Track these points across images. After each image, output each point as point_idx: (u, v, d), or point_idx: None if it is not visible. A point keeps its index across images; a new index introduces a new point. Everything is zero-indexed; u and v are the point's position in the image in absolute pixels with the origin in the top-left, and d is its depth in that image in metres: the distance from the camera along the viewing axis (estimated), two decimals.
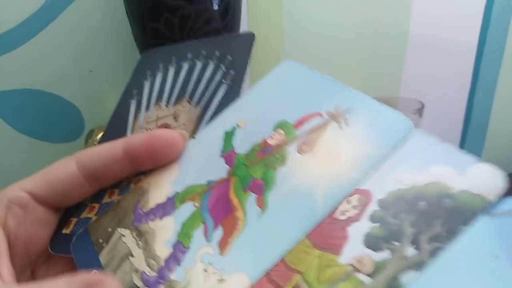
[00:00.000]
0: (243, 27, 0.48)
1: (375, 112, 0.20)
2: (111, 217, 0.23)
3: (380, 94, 0.70)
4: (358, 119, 0.20)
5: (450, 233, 0.15)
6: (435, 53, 0.67)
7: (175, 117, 0.28)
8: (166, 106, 0.29)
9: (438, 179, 0.16)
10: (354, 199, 0.18)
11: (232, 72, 0.27)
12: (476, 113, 0.69)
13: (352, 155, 0.19)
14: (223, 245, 0.19)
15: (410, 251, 0.15)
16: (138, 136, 0.23)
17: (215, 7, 0.38)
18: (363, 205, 0.17)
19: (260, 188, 0.20)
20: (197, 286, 0.19)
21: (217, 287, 0.18)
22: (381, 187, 0.17)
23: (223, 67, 0.27)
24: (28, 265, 0.24)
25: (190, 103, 0.27)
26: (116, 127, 0.31)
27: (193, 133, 0.25)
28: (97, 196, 0.25)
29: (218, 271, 0.18)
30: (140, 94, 0.30)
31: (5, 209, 0.23)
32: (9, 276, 0.21)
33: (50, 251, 0.24)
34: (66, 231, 0.24)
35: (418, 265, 0.15)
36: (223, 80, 0.27)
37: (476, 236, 0.15)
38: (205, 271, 0.19)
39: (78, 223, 0.24)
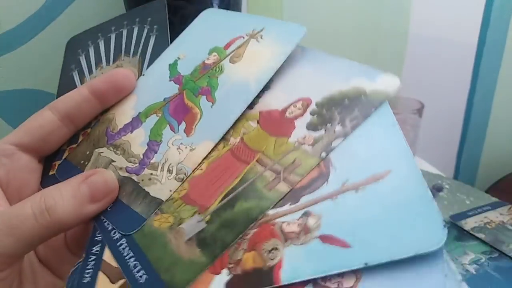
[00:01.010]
0: None
1: (279, 27, 0.27)
2: (86, 144, 0.27)
3: None
4: (268, 34, 0.27)
5: (364, 115, 0.22)
6: (435, 53, 0.67)
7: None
8: (107, 64, 0.31)
9: (356, 86, 0.24)
10: (299, 104, 0.24)
11: (155, 26, 0.31)
12: (475, 113, 0.69)
13: (268, 54, 0.26)
14: (188, 130, 0.25)
15: (338, 127, 0.22)
16: (98, 77, 0.27)
17: (215, 7, 0.40)
18: (305, 107, 0.24)
19: (208, 91, 0.26)
20: (174, 158, 0.24)
21: (190, 154, 0.24)
22: (317, 94, 0.24)
23: (146, 26, 0.32)
24: None
25: (128, 56, 0.31)
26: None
27: (139, 75, 0.29)
28: (72, 139, 0.27)
29: (188, 145, 0.24)
30: (79, 65, 0.33)
31: None
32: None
33: (42, 188, 0.26)
34: (52, 172, 0.27)
35: (343, 135, 0.22)
36: (150, 34, 0.31)
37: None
38: (179, 148, 0.24)
39: (61, 164, 0.27)
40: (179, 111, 0.26)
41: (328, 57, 0.26)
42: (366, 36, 0.64)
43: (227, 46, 0.28)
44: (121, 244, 0.22)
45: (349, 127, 0.22)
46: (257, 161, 0.23)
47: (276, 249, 0.20)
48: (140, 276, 0.21)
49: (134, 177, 0.24)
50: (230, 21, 0.29)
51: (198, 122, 0.25)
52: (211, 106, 0.25)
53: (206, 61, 0.28)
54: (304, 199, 0.21)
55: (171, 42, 0.30)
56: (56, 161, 0.27)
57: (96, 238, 0.23)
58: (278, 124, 0.24)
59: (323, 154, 0.22)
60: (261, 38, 0.27)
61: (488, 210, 0.49)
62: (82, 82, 0.31)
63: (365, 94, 0.23)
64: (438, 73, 0.68)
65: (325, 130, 0.23)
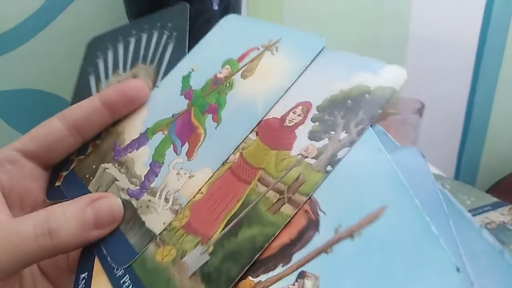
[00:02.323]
0: None
1: (297, 38, 0.25)
2: (93, 157, 0.26)
3: None
4: (285, 45, 0.25)
5: (370, 117, 0.20)
6: (435, 53, 0.66)
7: (135, 77, 0.30)
8: (124, 71, 0.31)
9: (359, 83, 0.21)
10: (299, 110, 0.22)
11: (175, 33, 0.30)
12: (476, 114, 0.69)
13: (281, 70, 0.24)
14: (190, 154, 0.24)
15: (342, 135, 0.20)
16: (111, 87, 0.27)
17: (215, 7, 0.38)
18: (306, 112, 0.22)
19: (215, 109, 0.25)
20: (173, 185, 0.23)
21: (188, 182, 0.23)
22: (317, 97, 0.22)
23: (166, 32, 0.31)
24: None
25: (145, 64, 0.30)
26: (81, 99, 0.33)
27: (153, 85, 0.29)
28: (81, 150, 0.27)
29: (188, 171, 0.23)
30: (96, 69, 0.33)
31: None
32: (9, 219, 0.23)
33: (47, 199, 0.26)
34: (58, 183, 0.27)
35: (349, 143, 0.20)
36: (169, 41, 0.30)
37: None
38: (178, 174, 0.23)
39: (67, 175, 0.27)
40: (184, 130, 0.25)
41: (325, 51, 0.24)
42: (366, 36, 0.64)
43: (241, 58, 0.26)
44: (125, 282, 0.21)
45: (354, 134, 0.20)
46: (258, 180, 0.21)
47: None
48: None
49: (134, 202, 0.24)
50: (248, 29, 0.27)
51: (200, 145, 0.24)
52: (216, 127, 0.24)
53: (218, 75, 0.26)
54: (296, 257, 0.19)
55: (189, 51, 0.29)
56: (63, 172, 0.27)
57: (82, 275, 0.23)
58: (278, 135, 0.22)
59: (329, 168, 0.20)
60: (276, 50, 0.25)
61: (489, 211, 0.47)
62: (97, 86, 0.31)
63: (369, 92, 0.21)
64: (439, 74, 0.67)
65: (329, 139, 0.21)
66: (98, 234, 0.22)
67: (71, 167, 0.27)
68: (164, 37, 0.31)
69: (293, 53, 0.24)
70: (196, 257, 0.20)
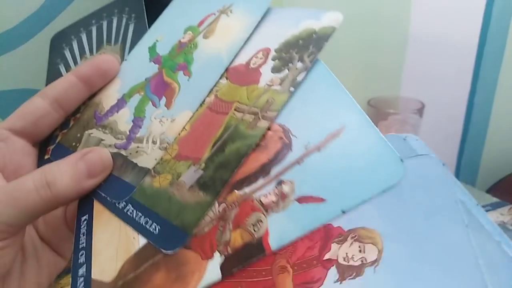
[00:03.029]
0: None
1: (246, 0, 0.29)
2: (76, 128, 0.29)
3: (381, 94, 0.67)
4: (237, 8, 0.29)
5: (318, 49, 0.25)
6: (436, 53, 0.66)
7: None
8: (91, 54, 0.33)
9: (306, 27, 0.26)
10: (260, 54, 0.27)
11: (133, 14, 0.33)
12: (476, 114, 0.68)
13: (238, 27, 0.28)
14: (168, 104, 0.27)
15: (299, 64, 0.25)
16: (83, 63, 0.29)
17: None
18: (266, 55, 0.26)
19: (185, 66, 0.28)
20: (157, 130, 0.26)
21: (171, 125, 0.26)
22: (273, 42, 0.27)
23: (125, 15, 0.34)
24: None
25: (110, 45, 0.33)
26: None
27: (120, 61, 0.31)
28: (64, 124, 0.29)
29: (169, 117, 0.26)
30: (64, 59, 0.35)
31: None
32: None
33: None
34: (47, 156, 0.29)
35: (305, 69, 0.25)
36: (129, 22, 0.33)
37: None
38: (160, 121, 0.26)
39: (54, 147, 0.29)
40: (159, 87, 0.28)
41: (275, 9, 0.28)
42: (366, 37, 0.64)
43: (201, 23, 0.30)
44: (128, 209, 0.24)
45: (308, 62, 0.25)
46: (235, 110, 0.25)
47: (260, 221, 0.22)
48: (154, 229, 0.23)
49: (123, 152, 0.26)
50: (202, 1, 0.31)
51: (176, 96, 0.27)
52: (188, 80, 0.27)
53: (182, 40, 0.30)
54: (274, 171, 0.23)
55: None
56: (50, 146, 0.29)
57: (81, 244, 0.24)
58: (245, 75, 0.26)
59: (292, 89, 0.24)
60: (231, 12, 0.29)
61: (488, 211, 0.48)
62: (68, 72, 0.33)
63: (315, 32, 0.26)
64: (439, 73, 0.67)
65: (288, 69, 0.25)
66: (92, 183, 0.24)
67: (57, 141, 0.29)
68: (124, 20, 0.33)
69: (245, 12, 0.29)
70: (191, 175, 0.24)
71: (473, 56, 0.65)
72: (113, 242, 0.24)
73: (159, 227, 0.23)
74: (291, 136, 0.24)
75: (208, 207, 0.23)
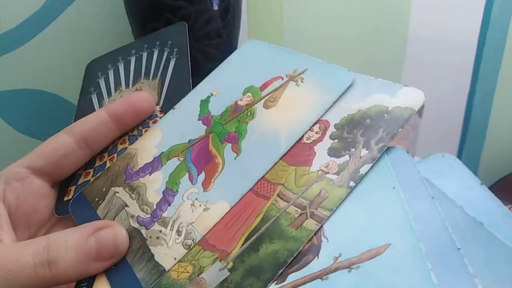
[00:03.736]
0: (243, 27, 0.47)
1: (324, 70, 0.25)
2: (104, 180, 0.25)
3: None
4: (311, 77, 0.24)
5: (390, 135, 0.21)
6: (435, 54, 0.66)
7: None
8: (127, 87, 0.31)
9: (377, 103, 0.22)
10: (316, 127, 0.22)
11: (175, 49, 0.30)
12: (475, 114, 0.69)
13: (306, 103, 0.24)
14: (206, 184, 0.23)
15: (363, 152, 0.20)
16: (117, 100, 0.27)
17: (215, 7, 0.38)
18: (324, 130, 0.22)
19: (235, 138, 0.24)
20: (186, 216, 0.22)
21: (203, 215, 0.22)
22: (335, 115, 0.22)
23: (166, 49, 0.31)
24: (29, 237, 0.25)
25: (148, 79, 0.30)
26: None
27: (158, 98, 0.28)
28: (89, 163, 0.27)
29: (203, 203, 0.22)
30: (97, 88, 0.32)
31: (4, 184, 0.24)
32: (11, 241, 0.22)
33: (56, 214, 0.25)
34: (67, 198, 0.26)
35: (371, 159, 0.20)
36: (170, 56, 0.30)
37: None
38: (192, 205, 0.22)
39: (76, 189, 0.26)
40: (201, 157, 0.24)
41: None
42: (366, 35, 0.64)
43: (264, 87, 0.25)
44: None
45: (376, 151, 0.20)
46: (278, 195, 0.21)
47: None
48: None
49: (143, 231, 0.22)
50: (271, 57, 0.27)
51: (218, 175, 0.23)
52: (235, 158, 0.23)
53: (239, 102, 0.25)
54: (291, 277, 0.18)
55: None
56: (71, 186, 0.26)
57: None
58: (296, 152, 0.22)
59: (351, 184, 0.20)
60: (302, 81, 0.24)
61: None
62: (100, 105, 0.31)
63: (387, 111, 0.21)
64: (438, 74, 0.67)
65: (350, 156, 0.21)
66: (99, 267, 0.21)
67: (79, 183, 0.27)
68: (165, 54, 0.31)
69: (320, 86, 0.24)
70: (214, 273, 0.20)
71: (472, 57, 0.65)
72: None
73: None
74: (322, 237, 0.19)
75: None
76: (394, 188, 0.19)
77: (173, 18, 0.36)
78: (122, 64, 0.32)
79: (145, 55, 0.32)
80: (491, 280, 0.17)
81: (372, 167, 0.20)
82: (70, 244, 0.21)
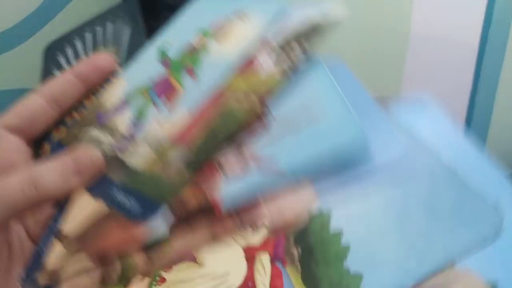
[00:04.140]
0: None
1: (263, 5, 0.28)
2: (78, 127, 0.28)
3: (381, 94, 0.66)
4: (253, 15, 0.28)
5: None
6: (436, 53, 0.67)
7: None
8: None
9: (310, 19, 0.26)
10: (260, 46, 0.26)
11: (128, 20, 0.33)
12: (477, 114, 0.69)
13: (251, 30, 0.27)
14: (170, 106, 0.26)
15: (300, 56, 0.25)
16: (80, 62, 0.29)
17: None
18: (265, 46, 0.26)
19: (191, 69, 0.27)
20: (155, 132, 0.25)
21: (168, 126, 0.25)
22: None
23: (120, 20, 0.33)
24: None
25: (105, 47, 0.33)
26: None
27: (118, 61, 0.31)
28: (60, 122, 0.29)
29: (169, 120, 0.25)
30: (58, 65, 0.35)
31: None
32: None
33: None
34: (42, 152, 0.28)
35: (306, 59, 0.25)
36: (124, 26, 0.33)
37: None
38: (159, 123, 0.25)
39: (51, 145, 0.28)
40: (163, 89, 0.27)
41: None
42: (366, 35, 0.65)
43: (214, 26, 0.29)
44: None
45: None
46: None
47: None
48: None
49: (119, 154, 0.26)
50: (217, 6, 0.31)
51: (180, 98, 0.26)
52: (193, 83, 0.26)
53: (193, 43, 0.29)
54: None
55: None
56: (45, 142, 0.28)
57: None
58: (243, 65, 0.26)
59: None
60: (247, 18, 0.28)
61: None
62: None
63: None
64: (440, 73, 0.67)
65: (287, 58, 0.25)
66: (80, 181, 0.24)
67: (57, 139, 0.29)
68: (119, 24, 0.33)
69: (260, 18, 0.28)
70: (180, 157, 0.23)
71: (474, 56, 0.65)
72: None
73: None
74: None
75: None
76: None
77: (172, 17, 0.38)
78: (79, 41, 0.34)
79: (99, 29, 0.34)
80: (457, 223, 0.23)
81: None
82: (50, 166, 0.23)
